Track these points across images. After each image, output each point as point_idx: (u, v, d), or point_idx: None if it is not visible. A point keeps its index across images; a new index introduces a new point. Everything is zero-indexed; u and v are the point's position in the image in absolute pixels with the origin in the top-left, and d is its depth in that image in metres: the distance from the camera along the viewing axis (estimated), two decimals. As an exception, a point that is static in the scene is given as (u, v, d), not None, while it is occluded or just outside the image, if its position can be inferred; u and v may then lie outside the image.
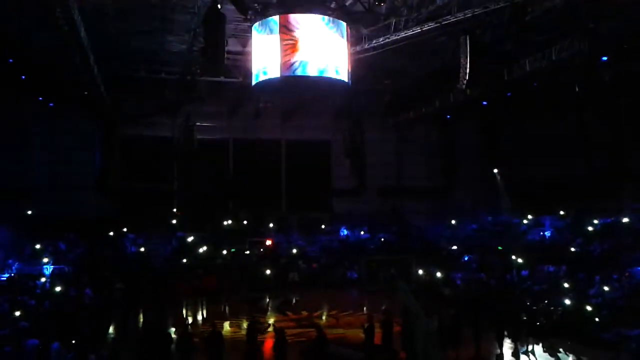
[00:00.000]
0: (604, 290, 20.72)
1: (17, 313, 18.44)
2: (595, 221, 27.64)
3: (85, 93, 27.39)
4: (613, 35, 20.76)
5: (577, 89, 24.38)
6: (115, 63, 27.09)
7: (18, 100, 30.43)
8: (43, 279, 24.64)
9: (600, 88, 24.38)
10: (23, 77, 27.08)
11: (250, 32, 21.72)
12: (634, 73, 23.26)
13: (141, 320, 23.58)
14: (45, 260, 26.99)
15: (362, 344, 16.78)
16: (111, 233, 31.23)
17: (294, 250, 32.76)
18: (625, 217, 26.37)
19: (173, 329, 18.50)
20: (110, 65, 26.47)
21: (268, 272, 30.01)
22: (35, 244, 28.20)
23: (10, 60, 24.88)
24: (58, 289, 23.17)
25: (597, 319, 18.61)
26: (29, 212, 30.72)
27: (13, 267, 26.27)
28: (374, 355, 16.10)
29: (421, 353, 14.13)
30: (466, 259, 30.10)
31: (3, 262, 26.34)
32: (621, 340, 16.94)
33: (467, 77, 21.17)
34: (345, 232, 35.46)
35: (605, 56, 21.90)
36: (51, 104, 30.94)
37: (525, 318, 18.86)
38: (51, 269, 26.55)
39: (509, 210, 33.35)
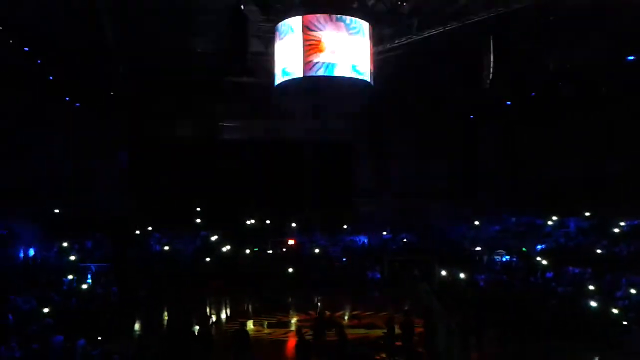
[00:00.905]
0: (630, 292, 20.40)
1: (46, 310, 18.79)
2: (622, 223, 27.24)
3: (112, 93, 27.79)
4: (639, 35, 20.43)
5: (602, 89, 24.04)
6: (141, 63, 27.42)
7: (45, 100, 30.94)
8: (70, 276, 24.99)
9: (627, 88, 24.04)
10: (50, 77, 27.52)
11: (273, 33, 21.83)
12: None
13: (165, 318, 23.86)
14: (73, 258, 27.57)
15: (383, 345, 16.79)
16: (137, 232, 31.67)
17: (316, 250, 32.82)
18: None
19: (197, 328, 18.67)
20: (136, 65, 26.81)
21: (290, 271, 30.16)
22: (62, 243, 28.71)
23: (39, 62, 25.29)
24: (84, 286, 23.57)
25: (623, 322, 18.36)
26: (56, 211, 31.26)
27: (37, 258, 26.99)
28: (394, 356, 16.10)
29: (444, 354, 14.12)
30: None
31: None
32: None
33: (490, 77, 21.06)
34: (364, 240, 35.21)
35: (631, 56, 21.59)
36: (77, 104, 31.43)
37: (549, 320, 18.69)
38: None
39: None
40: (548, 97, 28.59)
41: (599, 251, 26.12)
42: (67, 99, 30.97)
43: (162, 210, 32.86)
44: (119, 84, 25.89)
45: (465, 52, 24.91)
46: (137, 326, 21.77)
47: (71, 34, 21.66)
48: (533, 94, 28.09)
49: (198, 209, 34.49)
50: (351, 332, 18.27)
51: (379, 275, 31.30)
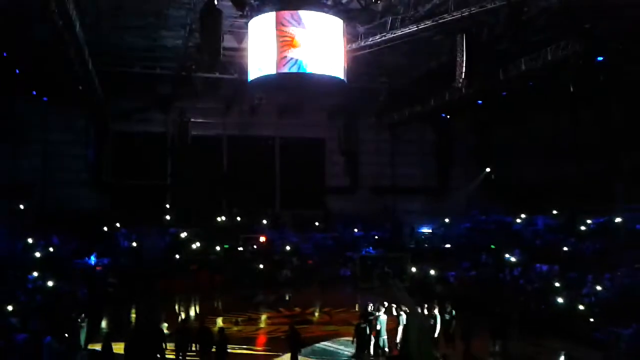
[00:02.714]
0: (596, 289, 20.78)
1: (10, 307, 18.31)
2: (589, 221, 27.75)
3: (80, 88, 27.24)
4: (609, 36, 20.79)
5: (572, 89, 24.39)
6: (110, 58, 26.98)
7: (12, 95, 30.23)
8: (35, 273, 24.38)
9: (595, 88, 24.44)
10: (17, 71, 26.88)
11: (247, 28, 21.66)
12: (628, 73, 23.33)
13: (133, 315, 23.52)
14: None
15: None
16: (104, 228, 31.12)
17: (288, 247, 32.71)
18: (617, 217, 26.49)
19: (165, 325, 18.44)
20: (105, 60, 26.35)
21: (261, 267, 30.03)
22: (27, 239, 28.05)
23: (5, 54, 24.67)
24: (50, 283, 23.06)
25: (589, 318, 18.69)
26: (22, 207, 30.56)
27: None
28: None
29: (415, 349, 14.18)
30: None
31: None
32: (613, 339, 17.02)
33: (462, 76, 21.22)
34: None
35: (600, 56, 21.94)
36: (45, 99, 30.76)
37: (517, 316, 18.90)
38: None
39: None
40: (519, 96, 28.91)
41: (566, 249, 26.57)
42: (34, 93, 30.29)
43: (131, 207, 32.42)
44: (87, 78, 25.35)
45: (438, 50, 25.10)
46: (104, 324, 21.41)
47: (39, 26, 21.11)
48: (504, 93, 28.36)
49: (167, 205, 34.12)
50: (322, 329, 18.32)
51: (350, 273, 31.38)
